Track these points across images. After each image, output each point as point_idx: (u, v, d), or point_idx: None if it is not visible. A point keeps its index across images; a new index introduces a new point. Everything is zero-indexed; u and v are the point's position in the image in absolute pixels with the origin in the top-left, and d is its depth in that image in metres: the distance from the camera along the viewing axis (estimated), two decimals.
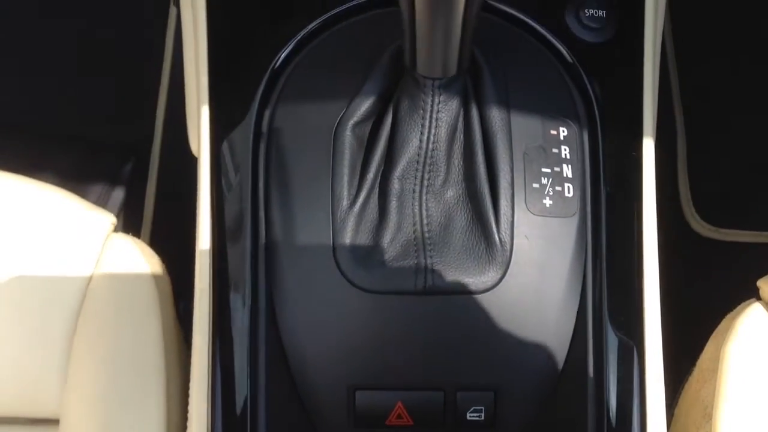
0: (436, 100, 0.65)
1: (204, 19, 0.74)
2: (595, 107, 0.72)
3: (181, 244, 0.84)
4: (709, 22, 1.42)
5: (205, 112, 0.73)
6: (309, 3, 0.74)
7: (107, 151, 1.34)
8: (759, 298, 0.78)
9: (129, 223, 1.31)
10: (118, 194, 1.30)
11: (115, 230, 0.84)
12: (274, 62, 0.72)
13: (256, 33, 0.74)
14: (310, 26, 0.73)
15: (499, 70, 0.70)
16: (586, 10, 0.74)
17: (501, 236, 0.67)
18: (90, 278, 0.79)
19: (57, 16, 1.44)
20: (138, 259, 0.80)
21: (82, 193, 1.29)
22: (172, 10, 1.43)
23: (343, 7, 0.73)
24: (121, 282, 0.79)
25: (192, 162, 0.79)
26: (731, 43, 1.42)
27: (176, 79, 1.38)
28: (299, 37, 0.73)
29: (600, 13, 0.74)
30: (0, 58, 1.40)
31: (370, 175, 0.68)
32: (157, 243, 1.30)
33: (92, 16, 1.44)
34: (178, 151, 0.92)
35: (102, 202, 1.29)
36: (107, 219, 0.83)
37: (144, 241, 1.30)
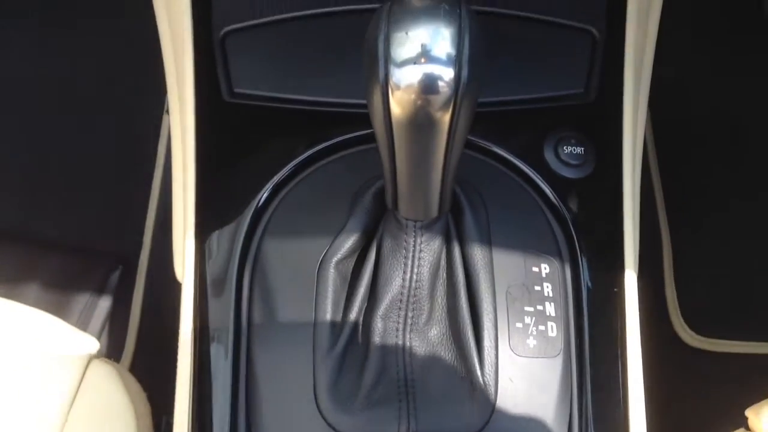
0: (419, 241, 0.65)
1: (192, 153, 0.75)
2: (576, 242, 0.73)
3: (165, 359, 0.83)
4: (690, 138, 1.46)
5: (190, 245, 0.73)
6: (293, 140, 0.75)
7: (96, 258, 1.34)
8: (747, 429, 0.77)
9: (113, 334, 1.30)
10: (105, 303, 1.30)
11: (98, 353, 0.83)
12: (258, 199, 0.73)
13: (244, 167, 0.75)
14: (292, 163, 0.74)
15: (480, 207, 0.71)
16: (564, 147, 0.75)
17: (485, 378, 0.66)
18: (69, 408, 0.78)
19: (48, 124, 1.46)
20: (118, 389, 0.79)
21: (69, 300, 1.29)
22: (165, 118, 1.45)
23: (325, 144, 0.75)
24: (100, 414, 0.77)
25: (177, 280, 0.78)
26: (715, 157, 1.45)
27: (167, 187, 1.39)
28: (282, 176, 0.74)
29: (578, 149, 0.75)
30: None
31: (353, 315, 0.68)
32: (141, 356, 1.29)
33: (84, 121, 1.46)
34: (166, 261, 0.92)
35: (89, 311, 1.29)
36: (90, 344, 0.82)
37: (128, 353, 1.30)
